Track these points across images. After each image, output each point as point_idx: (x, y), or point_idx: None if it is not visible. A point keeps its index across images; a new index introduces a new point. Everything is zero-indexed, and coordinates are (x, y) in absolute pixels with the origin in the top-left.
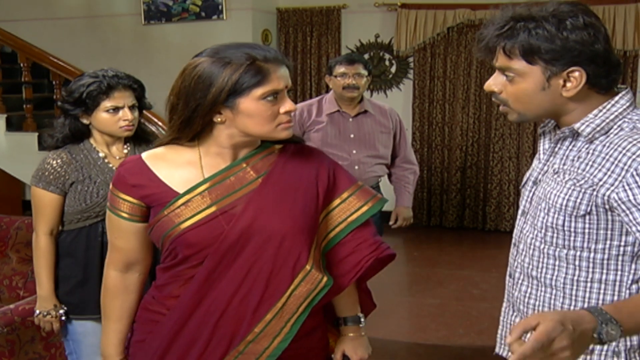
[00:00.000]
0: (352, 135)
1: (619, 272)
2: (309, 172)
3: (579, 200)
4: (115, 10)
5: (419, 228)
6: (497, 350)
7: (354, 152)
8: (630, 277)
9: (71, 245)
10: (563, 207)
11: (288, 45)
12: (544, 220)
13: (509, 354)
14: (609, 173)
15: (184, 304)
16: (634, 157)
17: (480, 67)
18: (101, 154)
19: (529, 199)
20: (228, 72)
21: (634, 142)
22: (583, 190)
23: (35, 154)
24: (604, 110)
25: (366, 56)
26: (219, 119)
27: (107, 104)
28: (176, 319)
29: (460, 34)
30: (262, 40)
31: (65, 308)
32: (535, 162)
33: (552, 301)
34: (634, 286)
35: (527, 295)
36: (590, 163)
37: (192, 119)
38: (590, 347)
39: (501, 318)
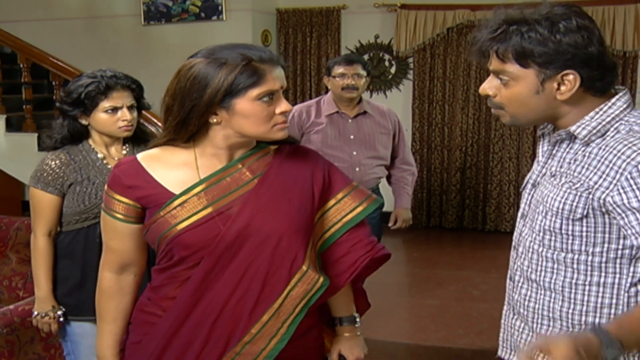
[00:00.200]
0: (352, 137)
1: (617, 275)
2: (305, 173)
3: (575, 204)
4: (114, 10)
5: (418, 229)
6: (499, 353)
7: (354, 153)
8: (629, 280)
9: (69, 246)
10: (560, 211)
11: (288, 46)
12: (542, 224)
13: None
14: (604, 176)
15: (180, 305)
16: (628, 160)
17: (480, 67)
18: (100, 155)
19: (528, 202)
20: (224, 73)
21: (629, 145)
22: (579, 193)
23: (35, 155)
24: (601, 113)
25: (366, 57)
26: (215, 120)
27: (105, 104)
28: (172, 321)
29: (460, 34)
30: (261, 41)
31: (63, 309)
32: (534, 164)
33: (552, 304)
34: (632, 289)
35: (527, 298)
36: (586, 166)
37: (187, 120)
38: None
39: (502, 321)
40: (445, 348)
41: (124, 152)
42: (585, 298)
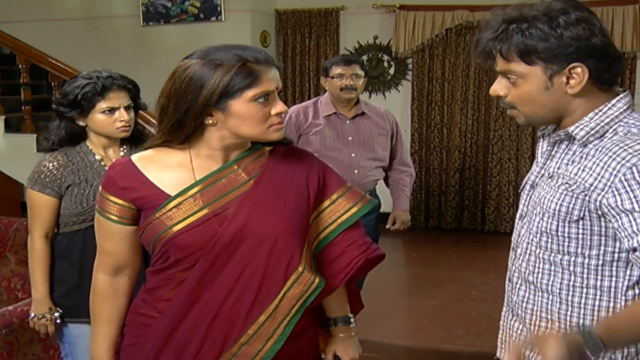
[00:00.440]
0: (350, 138)
1: (614, 279)
2: (300, 174)
3: (571, 206)
4: (114, 11)
5: (417, 230)
6: (498, 354)
7: (353, 155)
8: (626, 283)
9: (67, 248)
10: (556, 212)
11: (286, 47)
12: (539, 225)
13: None
14: (599, 178)
15: (176, 307)
16: (623, 162)
17: (479, 68)
18: (97, 157)
19: (526, 203)
20: (219, 74)
21: (625, 147)
22: (575, 195)
23: (34, 156)
24: (600, 113)
25: (365, 57)
26: (210, 121)
27: (102, 105)
28: (168, 322)
29: (459, 35)
30: (260, 42)
31: (60, 311)
32: (533, 165)
33: (549, 306)
34: (629, 292)
35: (525, 300)
36: (583, 167)
37: (183, 122)
38: None
39: (501, 322)
40: (444, 349)
41: (122, 153)
42: (583, 301)
